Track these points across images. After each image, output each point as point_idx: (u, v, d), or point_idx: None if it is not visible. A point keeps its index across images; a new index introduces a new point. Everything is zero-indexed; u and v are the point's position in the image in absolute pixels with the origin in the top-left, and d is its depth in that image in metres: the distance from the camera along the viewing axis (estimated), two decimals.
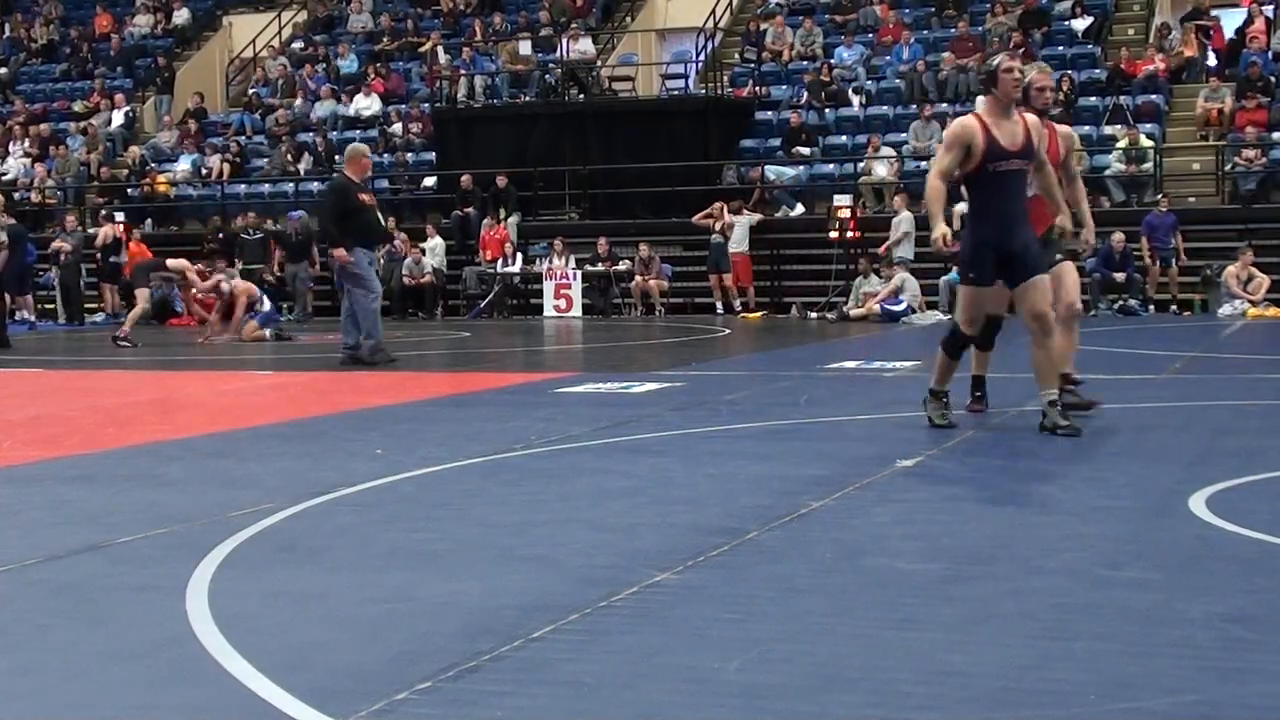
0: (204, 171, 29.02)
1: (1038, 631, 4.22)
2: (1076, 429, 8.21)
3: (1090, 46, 26.31)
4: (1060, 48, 26.22)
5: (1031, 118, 8.32)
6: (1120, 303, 20.96)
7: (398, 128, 28.11)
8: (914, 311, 21.05)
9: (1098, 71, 25.51)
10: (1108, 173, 23.17)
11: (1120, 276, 21.08)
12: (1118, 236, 21.12)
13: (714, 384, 12.04)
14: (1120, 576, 4.89)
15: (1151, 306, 21.39)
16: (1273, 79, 24.18)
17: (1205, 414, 9.37)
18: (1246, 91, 23.67)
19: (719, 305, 23.24)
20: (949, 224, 8.22)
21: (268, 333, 19.47)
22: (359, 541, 5.73)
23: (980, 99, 8.56)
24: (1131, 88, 24.62)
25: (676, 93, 27.54)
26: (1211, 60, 25.74)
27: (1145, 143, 23.29)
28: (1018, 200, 8.27)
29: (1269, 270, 20.90)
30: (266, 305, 20.31)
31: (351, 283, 14.51)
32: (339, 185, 14.89)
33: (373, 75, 29.81)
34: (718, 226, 23.11)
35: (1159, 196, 22.27)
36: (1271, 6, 26.50)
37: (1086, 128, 23.98)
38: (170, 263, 20.48)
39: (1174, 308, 21.36)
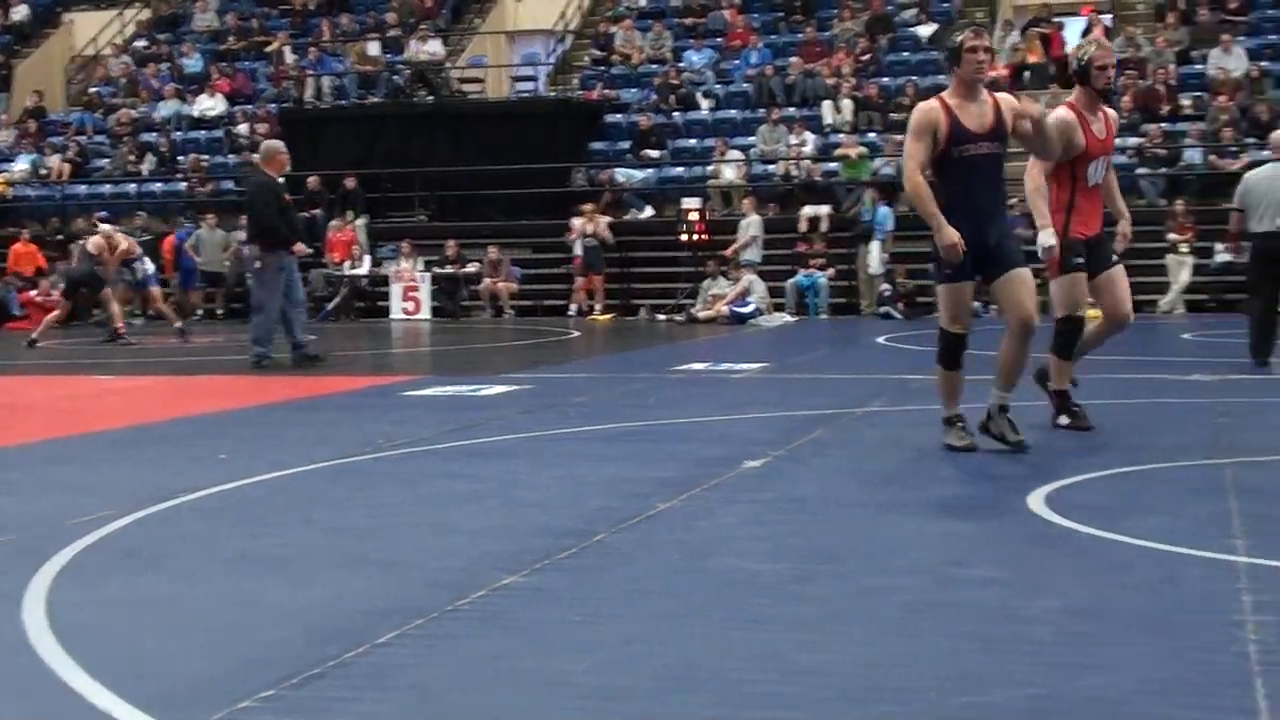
0: (43, 171, 28.39)
1: (884, 629, 4.28)
2: (1024, 445, 7.63)
3: (935, 53, 26.71)
4: (906, 54, 26.61)
5: (1004, 97, 7.75)
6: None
7: (243, 128, 27.72)
8: (761, 314, 21.22)
9: (942, 78, 25.86)
10: None
11: None
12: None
13: (563, 386, 12.04)
14: (964, 574, 4.97)
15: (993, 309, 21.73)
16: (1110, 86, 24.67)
17: (1043, 413, 9.54)
18: None
19: (577, 307, 23.18)
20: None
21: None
22: (202, 548, 5.64)
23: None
24: None
25: (526, 95, 27.50)
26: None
27: None
28: (990, 187, 7.63)
29: None
30: (149, 266, 20.16)
31: (265, 284, 14.26)
32: (267, 183, 14.52)
33: (218, 75, 29.37)
34: (590, 229, 23.07)
35: (1012, 201, 22.66)
36: (1110, 15, 27.12)
37: None
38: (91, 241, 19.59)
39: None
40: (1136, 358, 14.25)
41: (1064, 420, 8.48)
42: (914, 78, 25.45)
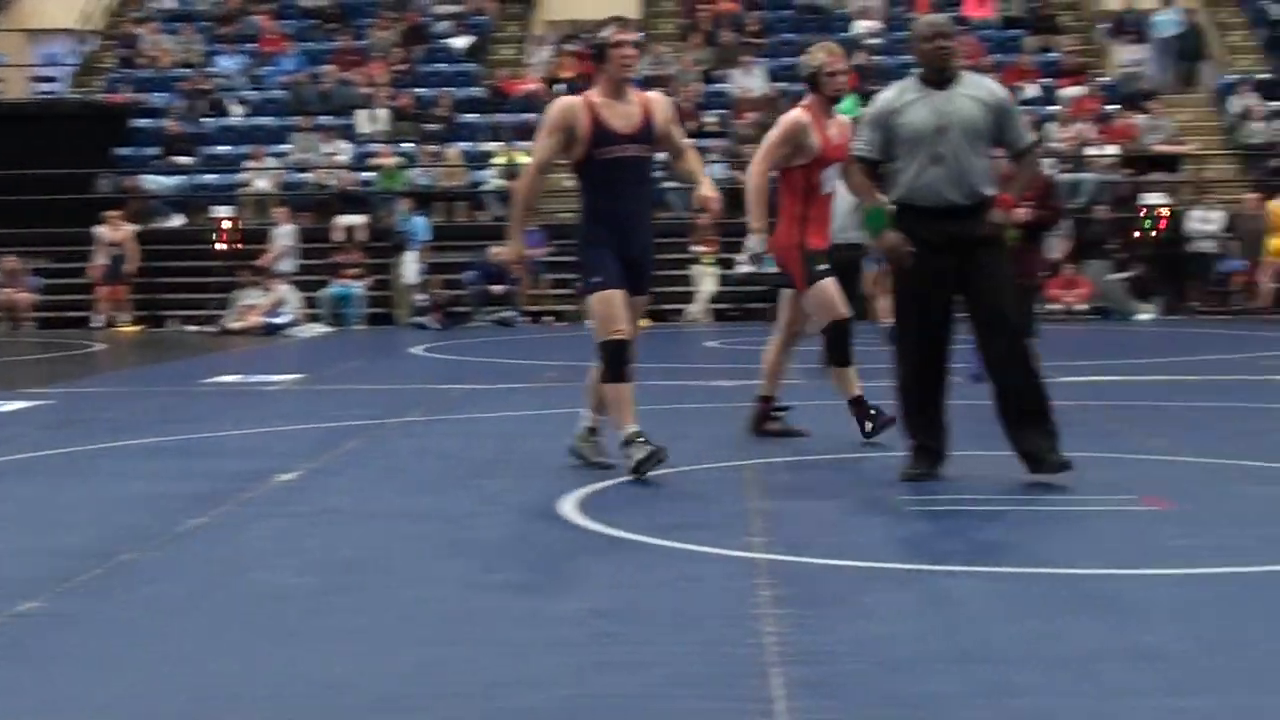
0: None
1: (418, 638, 4.29)
2: (606, 466, 7.32)
3: (470, 65, 26.94)
4: (441, 65, 26.72)
5: (655, 96, 7.40)
6: (498, 314, 21.54)
7: None
8: (296, 324, 20.92)
9: (477, 90, 26.16)
10: (486, 188, 23.82)
11: (498, 288, 21.66)
12: (495, 250, 21.71)
13: (87, 401, 11.56)
14: (496, 580, 5.03)
15: (526, 317, 22.04)
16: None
17: (576, 421, 9.74)
18: None
19: (103, 319, 22.21)
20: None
21: None
22: None
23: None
24: (509, 106, 25.40)
25: (47, 96, 26.28)
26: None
27: (523, 159, 24.06)
28: (637, 193, 7.23)
29: None
30: None
31: None
32: None
33: None
34: (116, 237, 22.11)
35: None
36: (640, 34, 27.91)
37: (467, 144, 24.57)
38: None
39: (548, 318, 22.12)
40: (663, 365, 14.72)
41: (869, 426, 8.04)
42: (450, 89, 25.61)
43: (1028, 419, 6.65)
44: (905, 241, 6.74)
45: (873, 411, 8.05)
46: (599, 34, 7.18)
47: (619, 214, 7.14)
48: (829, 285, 8.00)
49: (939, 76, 6.79)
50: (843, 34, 27.14)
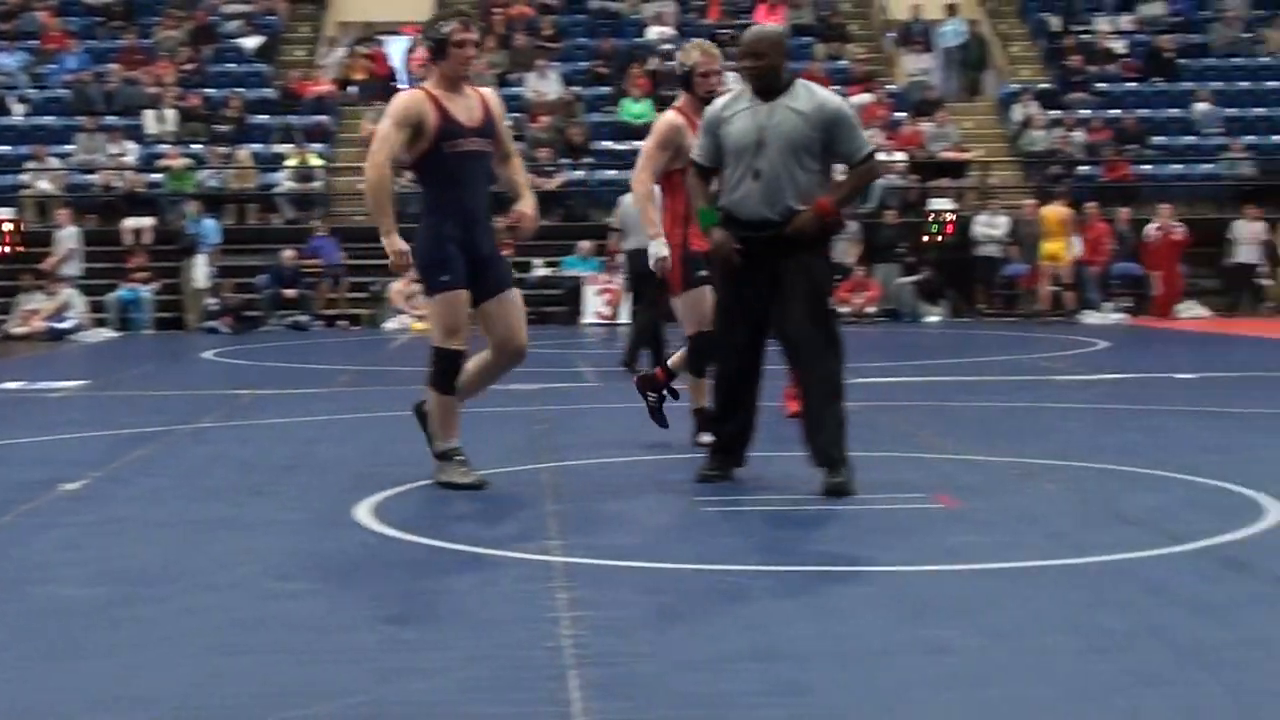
0: None
1: (210, 648, 4.20)
2: (483, 484, 6.97)
3: (261, 65, 26.53)
4: (231, 65, 26.28)
5: (488, 92, 7.23)
6: (291, 318, 21.24)
7: None
8: (82, 329, 20.39)
9: (268, 90, 25.78)
10: (278, 190, 23.48)
11: (291, 292, 21.37)
12: (289, 253, 21.42)
13: None
14: (290, 588, 4.96)
15: (320, 322, 21.78)
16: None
17: (372, 425, 9.67)
18: None
19: None
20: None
21: None
22: None
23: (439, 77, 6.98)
24: (301, 108, 25.08)
25: None
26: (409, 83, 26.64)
27: (315, 162, 23.78)
28: (481, 190, 7.03)
29: None
30: None
31: None
32: None
33: None
34: None
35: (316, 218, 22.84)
36: None
37: (258, 146, 24.19)
38: None
39: (342, 323, 21.89)
40: None
41: (706, 438, 7.67)
42: (240, 89, 25.22)
43: (825, 433, 6.71)
44: (731, 239, 6.72)
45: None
46: (440, 28, 6.93)
47: (466, 210, 6.91)
48: (705, 293, 7.57)
49: (763, 90, 6.75)
50: (636, 39, 27.37)
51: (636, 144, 23.70)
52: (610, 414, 8.89)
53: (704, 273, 7.56)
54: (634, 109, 24.97)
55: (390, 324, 21.34)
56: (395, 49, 27.43)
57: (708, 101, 7.46)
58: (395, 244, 6.82)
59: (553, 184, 22.98)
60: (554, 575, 5.06)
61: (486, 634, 4.32)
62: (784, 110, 6.69)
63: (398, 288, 21.51)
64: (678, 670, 3.93)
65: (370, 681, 3.85)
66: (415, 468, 7.49)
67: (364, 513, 6.27)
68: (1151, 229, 22.14)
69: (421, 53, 6.73)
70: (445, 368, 6.86)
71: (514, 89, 25.91)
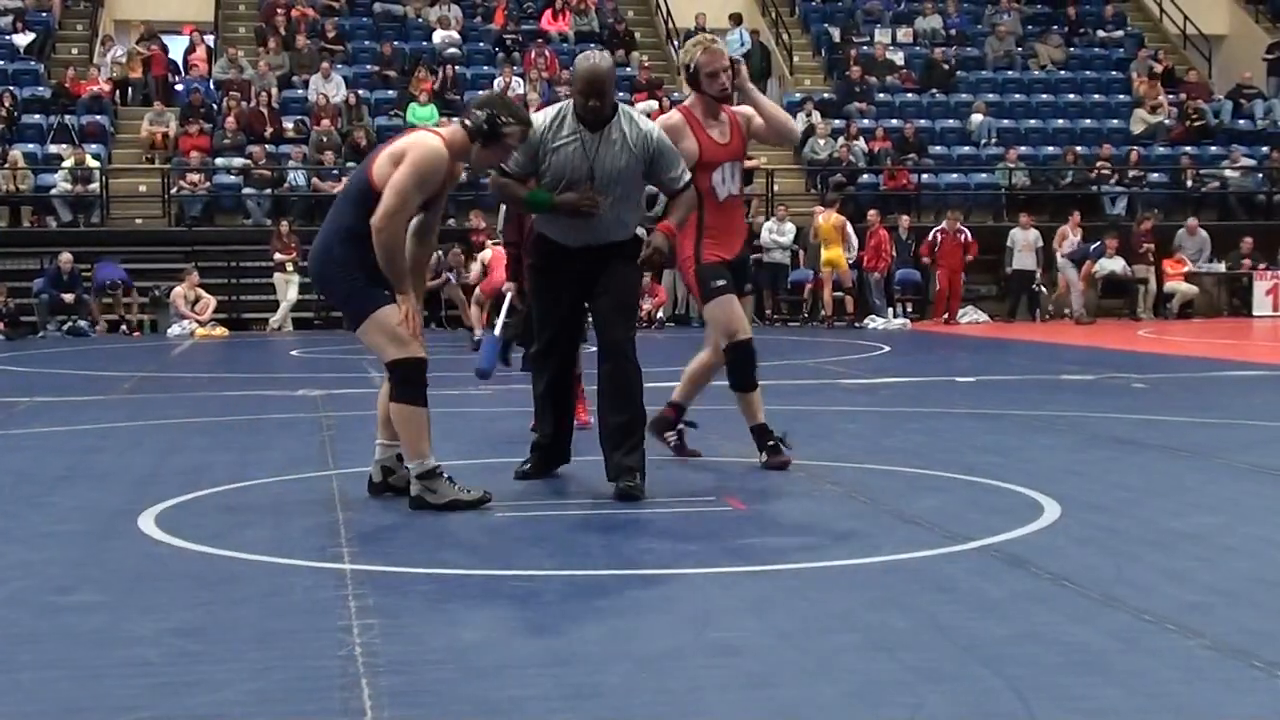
0: None
1: None
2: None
3: (33, 63, 25.79)
4: (2, 63, 25.50)
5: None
6: (70, 324, 20.68)
7: None
8: None
9: (42, 89, 25.08)
10: (54, 192, 22.85)
11: (69, 297, 20.79)
12: (65, 257, 20.85)
13: None
14: (69, 601, 4.82)
15: (99, 327, 21.24)
16: (214, 106, 24.89)
17: (155, 433, 9.46)
18: (189, 117, 24.21)
19: None
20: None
21: None
22: None
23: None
24: (76, 107, 24.44)
25: None
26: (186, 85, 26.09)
27: (91, 163, 23.18)
28: None
29: (214, 291, 21.52)
30: None
31: None
32: None
33: None
34: None
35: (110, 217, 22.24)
36: (213, 36, 27.32)
37: (32, 146, 23.53)
38: None
39: (124, 328, 21.38)
40: (247, 375, 14.44)
41: (775, 457, 7.51)
42: (12, 87, 24.53)
43: (624, 441, 6.79)
44: (587, 188, 6.68)
45: (772, 442, 7.57)
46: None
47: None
48: (727, 303, 7.41)
49: (592, 122, 6.71)
50: (422, 43, 27.21)
51: None
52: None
53: (721, 282, 7.43)
54: (420, 113, 24.83)
55: (174, 330, 20.90)
56: (174, 49, 26.90)
57: (721, 100, 7.42)
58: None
59: (338, 188, 22.70)
60: (345, 583, 5.01)
61: (276, 644, 4.25)
62: (611, 145, 6.70)
63: (179, 292, 21.09)
64: (470, 676, 3.92)
65: (155, 696, 3.77)
66: (198, 476, 7.36)
67: (147, 522, 6.13)
68: (937, 231, 22.71)
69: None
70: (417, 377, 6.46)
71: (297, 91, 25.58)
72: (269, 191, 23.52)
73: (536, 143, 6.72)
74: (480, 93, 6.93)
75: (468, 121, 6.41)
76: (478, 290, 17.82)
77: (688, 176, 6.95)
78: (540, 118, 6.84)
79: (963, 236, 22.66)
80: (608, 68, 6.78)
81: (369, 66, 26.53)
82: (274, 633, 4.38)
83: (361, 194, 6.39)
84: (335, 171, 23.55)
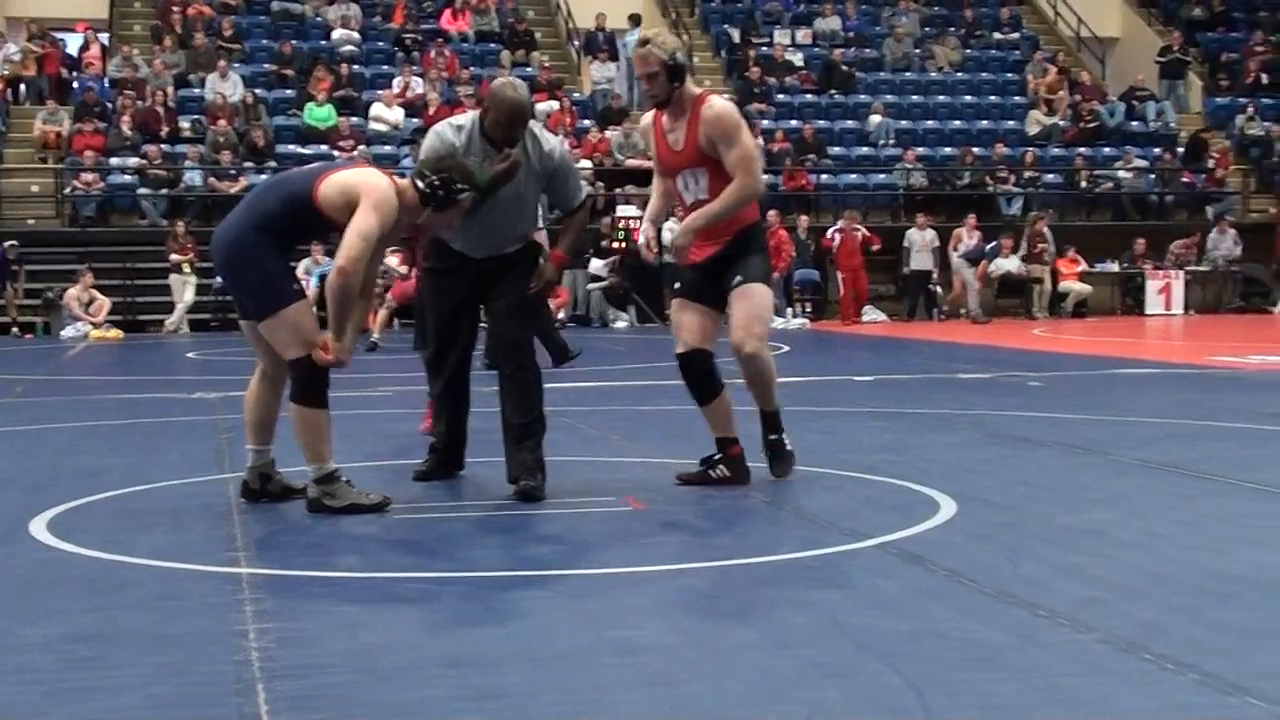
0: None
1: None
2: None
3: None
4: None
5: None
6: None
7: None
8: None
9: None
10: None
11: None
12: None
13: None
14: None
15: None
16: (108, 104, 24.57)
17: (48, 437, 9.32)
18: (83, 115, 23.89)
19: None
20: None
21: None
22: None
23: None
24: None
25: None
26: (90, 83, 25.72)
27: None
28: None
29: (109, 292, 21.25)
30: None
31: None
32: None
33: None
34: None
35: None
36: (107, 35, 26.95)
37: None
38: None
39: (15, 330, 21.05)
40: (143, 377, 14.28)
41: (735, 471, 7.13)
42: None
43: (524, 440, 6.81)
44: (502, 156, 6.63)
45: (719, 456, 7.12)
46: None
47: None
48: (676, 310, 7.15)
49: (500, 141, 6.70)
50: (321, 42, 27.01)
51: (321, 147, 23.53)
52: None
53: (678, 284, 7.18)
54: (317, 113, 24.66)
55: (67, 332, 20.62)
56: (71, 46, 26.55)
57: (658, 106, 6.98)
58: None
59: (236, 187, 22.49)
60: (241, 587, 4.96)
61: (171, 649, 4.20)
62: (520, 159, 6.72)
63: (73, 294, 20.80)
64: (368, 680, 3.89)
65: (49, 703, 3.71)
66: (93, 480, 7.27)
67: (39, 528, 6.03)
68: (835, 231, 22.88)
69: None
70: (318, 379, 6.34)
71: (194, 90, 25.32)
72: (165, 191, 23.26)
73: (449, 156, 6.68)
74: (431, 148, 6.86)
75: (420, 184, 6.33)
76: (388, 295, 17.76)
77: (583, 196, 7.06)
78: (450, 133, 6.82)
79: (859, 234, 22.85)
80: (530, 101, 6.95)
81: (267, 65, 26.30)
82: (169, 638, 4.33)
83: (298, 199, 6.26)
84: (232, 171, 23.32)
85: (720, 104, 6.88)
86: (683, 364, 7.13)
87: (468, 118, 6.91)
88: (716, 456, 7.12)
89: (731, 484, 6.98)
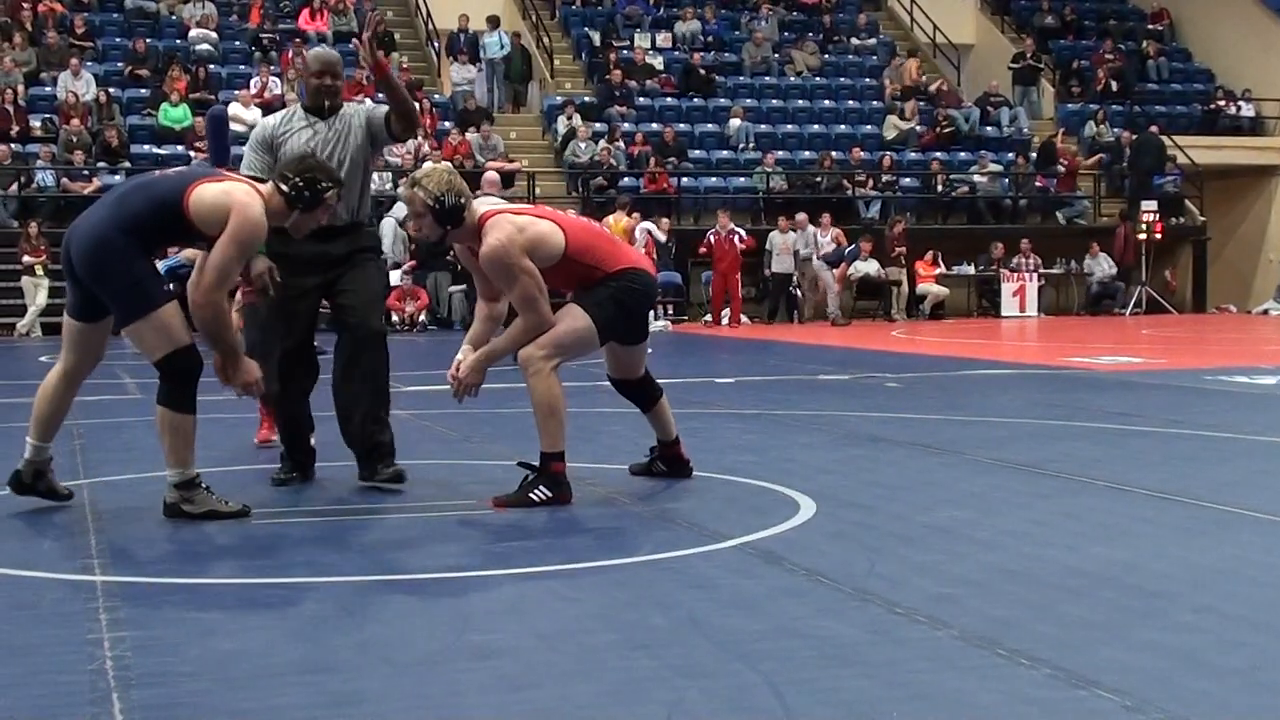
0: None
1: None
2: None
3: None
4: None
5: None
6: None
7: None
8: None
9: None
10: None
11: None
12: None
13: None
14: None
15: None
16: None
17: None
18: None
19: None
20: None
21: None
22: None
23: None
24: None
25: None
26: None
27: None
28: None
29: None
30: None
31: None
32: None
33: None
34: None
35: None
36: None
37: None
38: None
39: None
40: None
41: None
42: None
43: (378, 428, 6.85)
44: (272, 270, 6.77)
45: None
46: None
47: None
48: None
49: (322, 108, 7.06)
50: (177, 40, 26.64)
51: (177, 148, 23.20)
52: (153, 427, 8.58)
53: None
54: (172, 113, 24.32)
55: None
56: None
57: (314, 111, 7.13)
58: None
59: (90, 188, 22.10)
60: (95, 595, 4.88)
61: (23, 659, 4.12)
62: (346, 125, 7.03)
63: None
64: (225, 687, 3.85)
65: None
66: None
67: None
68: (711, 233, 23.04)
69: None
70: (186, 382, 6.23)
71: (45, 88, 24.84)
72: (15, 192, 22.79)
73: (269, 136, 7.06)
74: (258, 139, 6.89)
75: (284, 187, 6.25)
76: (238, 295, 17.50)
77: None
78: (269, 119, 7.23)
79: (736, 237, 23.01)
80: (337, 55, 7.30)
81: (120, 64, 25.88)
82: (20, 648, 4.25)
83: (166, 206, 6.10)
84: (85, 172, 22.91)
85: (490, 245, 6.39)
86: (614, 386, 7.28)
87: (297, 104, 7.32)
88: (656, 454, 7.34)
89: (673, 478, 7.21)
